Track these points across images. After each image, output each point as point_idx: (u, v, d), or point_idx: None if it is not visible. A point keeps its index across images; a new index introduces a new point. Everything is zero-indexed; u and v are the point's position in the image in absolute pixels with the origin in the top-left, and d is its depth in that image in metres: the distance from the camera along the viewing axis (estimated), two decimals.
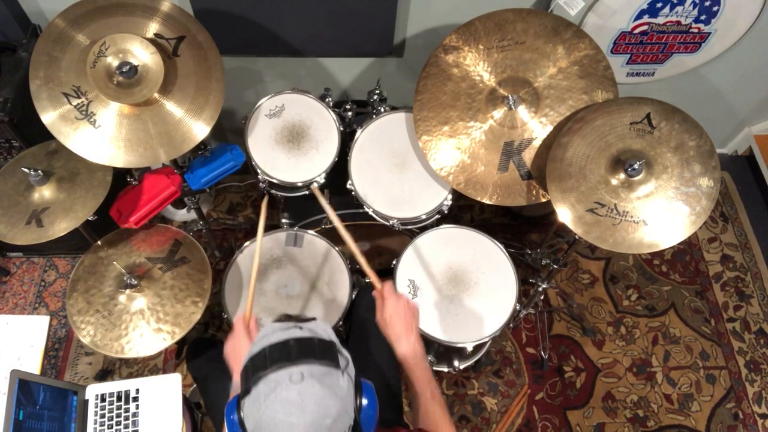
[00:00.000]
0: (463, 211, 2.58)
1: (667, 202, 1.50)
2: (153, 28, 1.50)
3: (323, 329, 1.00)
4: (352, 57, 2.13)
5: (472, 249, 1.78)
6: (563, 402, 2.19)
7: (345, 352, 0.99)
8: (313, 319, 1.03)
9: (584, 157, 1.56)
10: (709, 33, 2.01)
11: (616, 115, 1.57)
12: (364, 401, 0.99)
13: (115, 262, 1.67)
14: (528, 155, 1.70)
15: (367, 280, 1.93)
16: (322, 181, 1.82)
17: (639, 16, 1.93)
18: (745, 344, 2.33)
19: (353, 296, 1.75)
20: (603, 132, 1.56)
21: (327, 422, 0.89)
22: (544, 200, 1.69)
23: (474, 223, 2.55)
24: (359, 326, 1.73)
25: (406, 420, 1.79)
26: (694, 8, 1.91)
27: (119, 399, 1.58)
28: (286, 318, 1.03)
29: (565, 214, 1.53)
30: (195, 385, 1.94)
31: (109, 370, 2.20)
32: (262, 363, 0.92)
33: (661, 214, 1.50)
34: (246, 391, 0.92)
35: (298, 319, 1.02)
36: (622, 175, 1.51)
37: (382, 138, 1.87)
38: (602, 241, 1.50)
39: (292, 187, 1.85)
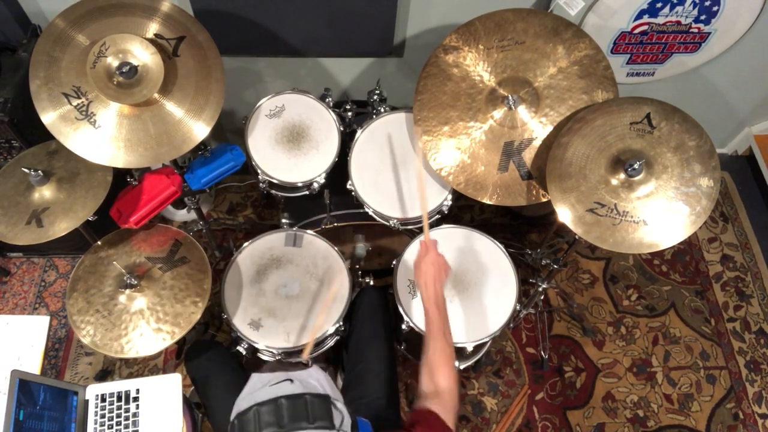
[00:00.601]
0: (463, 211, 2.58)
1: (667, 202, 1.50)
2: (153, 28, 1.50)
3: (316, 379, 0.95)
4: (352, 57, 2.13)
5: (472, 249, 1.78)
6: (563, 402, 2.19)
7: (339, 403, 0.94)
8: (306, 365, 0.98)
9: (584, 157, 1.55)
10: (709, 33, 2.01)
11: (616, 115, 1.57)
12: None
13: (114, 262, 1.67)
14: (528, 155, 1.70)
15: (367, 280, 1.94)
16: (322, 181, 1.82)
17: (639, 16, 1.93)
18: (745, 344, 2.33)
19: (353, 296, 1.75)
20: (603, 132, 1.56)
21: None
22: (544, 200, 1.69)
23: (474, 223, 2.55)
24: (359, 327, 1.73)
25: (403, 416, 1.79)
26: (694, 8, 1.91)
27: (119, 399, 1.58)
28: (277, 366, 0.97)
29: (565, 214, 1.53)
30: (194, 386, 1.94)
31: (109, 370, 2.20)
32: (253, 426, 0.87)
33: (661, 214, 1.50)
34: None
35: (290, 366, 0.97)
36: (622, 175, 1.51)
37: (382, 138, 1.87)
38: (602, 241, 1.50)
39: (292, 187, 1.85)
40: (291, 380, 0.92)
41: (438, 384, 1.24)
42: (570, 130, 1.59)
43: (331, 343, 1.75)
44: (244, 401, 0.91)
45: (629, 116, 1.56)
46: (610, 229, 1.50)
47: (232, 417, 0.92)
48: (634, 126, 1.55)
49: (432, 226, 1.83)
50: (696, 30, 1.99)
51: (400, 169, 1.83)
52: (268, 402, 0.89)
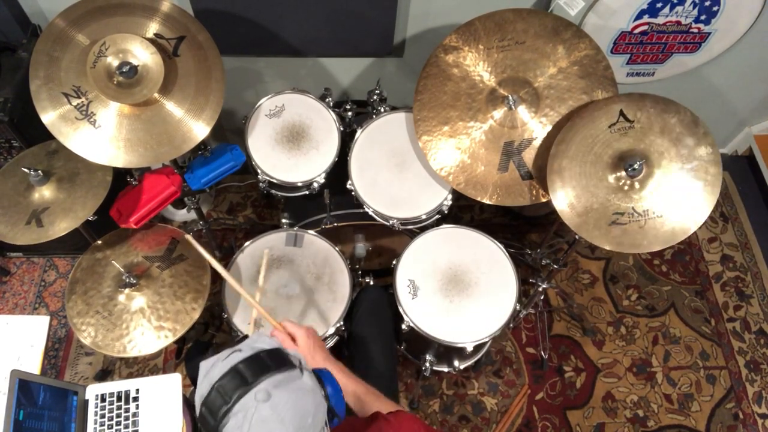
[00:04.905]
0: (463, 211, 2.58)
1: (679, 184, 1.50)
2: (153, 28, 1.50)
3: (263, 340, 0.96)
4: (352, 57, 2.13)
5: (472, 249, 1.78)
6: (563, 402, 2.19)
7: (292, 351, 0.97)
8: (245, 336, 1.00)
9: (584, 176, 1.54)
10: (709, 33, 2.01)
11: (591, 124, 1.56)
12: (329, 390, 0.99)
13: (113, 262, 1.67)
14: (528, 155, 1.70)
15: (367, 280, 1.94)
16: (322, 181, 1.82)
17: (639, 16, 1.93)
18: (745, 344, 2.33)
19: (353, 296, 1.75)
20: (587, 145, 1.55)
21: (308, 421, 0.88)
22: (544, 200, 1.69)
23: (474, 223, 2.55)
24: (359, 326, 1.73)
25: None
26: (694, 8, 1.91)
27: (119, 399, 1.58)
28: (218, 350, 0.97)
29: (594, 238, 1.50)
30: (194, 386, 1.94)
31: (109, 370, 2.20)
32: (221, 400, 0.88)
33: (679, 197, 1.50)
34: None
35: (232, 344, 0.98)
36: (626, 179, 1.51)
37: (382, 138, 1.87)
38: (637, 247, 1.49)
39: (292, 187, 1.85)
40: (240, 350, 0.93)
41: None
42: (556, 155, 1.58)
43: (331, 343, 1.75)
44: (202, 387, 0.91)
45: (604, 120, 1.56)
46: (640, 233, 1.49)
47: (197, 409, 0.91)
48: (613, 127, 1.55)
49: (432, 226, 1.83)
50: (696, 30, 1.99)
51: (400, 169, 1.83)
52: (225, 374, 0.89)
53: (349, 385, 1.31)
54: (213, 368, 0.91)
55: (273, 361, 0.91)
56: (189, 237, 1.46)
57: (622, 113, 1.55)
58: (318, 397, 0.93)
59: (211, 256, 1.38)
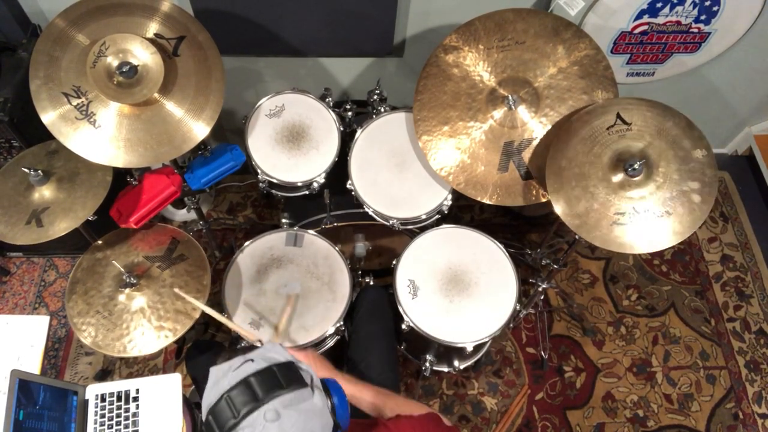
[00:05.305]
0: (463, 211, 2.58)
1: (678, 185, 1.50)
2: (153, 28, 1.50)
3: (276, 351, 0.95)
4: (352, 57, 2.13)
5: (472, 249, 1.78)
6: (563, 402, 2.19)
7: (304, 364, 0.96)
8: (259, 343, 1.00)
9: (583, 176, 1.54)
10: (709, 33, 2.01)
11: (589, 127, 1.57)
12: (335, 400, 0.98)
13: (114, 262, 1.67)
14: (528, 155, 1.70)
15: (367, 280, 1.94)
16: (322, 180, 1.82)
17: (639, 16, 1.93)
18: (745, 344, 2.33)
19: (353, 296, 1.75)
20: (586, 147, 1.56)
21: None
22: (543, 200, 1.69)
23: (474, 223, 2.55)
24: (360, 326, 1.73)
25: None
26: (694, 8, 1.91)
27: (119, 399, 1.58)
28: (231, 353, 0.97)
29: (597, 239, 1.50)
30: (195, 386, 1.94)
31: (109, 370, 2.20)
32: (229, 412, 0.87)
33: (679, 196, 1.50)
34: None
35: (245, 350, 0.97)
36: (626, 179, 1.51)
37: (382, 138, 1.87)
38: (636, 247, 1.50)
39: (292, 187, 1.85)
40: (252, 360, 0.92)
41: (391, 410, 1.29)
42: (556, 155, 1.58)
43: (331, 343, 1.75)
44: (211, 395, 0.90)
45: (603, 122, 1.56)
46: (640, 233, 1.49)
47: (203, 416, 0.90)
48: (611, 130, 1.56)
49: (432, 226, 1.83)
50: (696, 30, 1.99)
51: (400, 169, 1.83)
52: (236, 385, 0.88)
53: (360, 394, 1.32)
54: (224, 377, 0.90)
55: (285, 378, 0.90)
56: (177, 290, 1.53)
57: (619, 116, 1.55)
58: (325, 417, 0.92)
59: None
